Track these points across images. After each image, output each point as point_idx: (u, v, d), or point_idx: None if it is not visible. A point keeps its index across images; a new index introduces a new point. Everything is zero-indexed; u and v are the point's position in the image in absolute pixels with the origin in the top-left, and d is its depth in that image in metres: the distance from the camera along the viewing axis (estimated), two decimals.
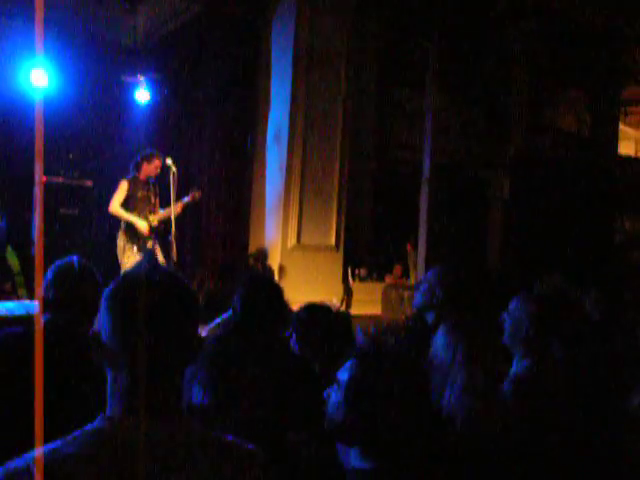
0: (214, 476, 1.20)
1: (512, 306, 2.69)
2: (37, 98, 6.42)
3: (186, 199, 6.64)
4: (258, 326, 2.53)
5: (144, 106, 7.85)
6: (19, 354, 2.14)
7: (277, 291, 2.69)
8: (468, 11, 9.37)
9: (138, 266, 1.27)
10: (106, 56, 7.83)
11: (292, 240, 8.18)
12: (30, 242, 7.34)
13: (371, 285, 9.07)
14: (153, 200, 6.62)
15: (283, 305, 2.67)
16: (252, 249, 8.53)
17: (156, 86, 7.87)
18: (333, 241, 8.45)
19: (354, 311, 7.83)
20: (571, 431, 2.44)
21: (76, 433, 1.17)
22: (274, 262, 8.11)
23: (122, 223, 6.47)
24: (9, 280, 6.97)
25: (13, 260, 7.06)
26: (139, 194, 6.52)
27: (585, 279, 4.54)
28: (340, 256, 8.60)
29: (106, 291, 1.25)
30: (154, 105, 7.92)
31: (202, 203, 7.81)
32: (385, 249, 10.08)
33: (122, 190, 6.45)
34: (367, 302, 8.37)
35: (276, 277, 7.75)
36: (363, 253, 9.98)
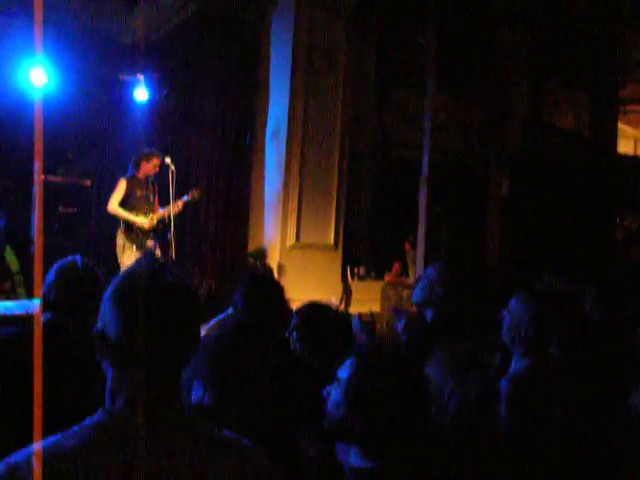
0: (214, 470, 1.21)
1: (511, 304, 2.68)
2: (36, 97, 6.41)
3: (186, 198, 6.64)
4: (259, 325, 2.53)
5: (143, 105, 7.84)
6: (14, 355, 2.14)
7: (278, 290, 2.70)
8: (466, 9, 9.37)
9: (138, 263, 1.28)
10: (105, 55, 7.81)
11: (291, 239, 8.18)
12: (29, 241, 7.33)
13: (370, 284, 9.08)
14: (152, 199, 6.61)
15: (284, 304, 2.67)
16: (251, 248, 8.53)
17: (155, 84, 7.86)
18: (332, 240, 8.45)
19: (353, 309, 7.83)
20: (570, 431, 2.44)
21: (75, 427, 1.18)
22: (273, 261, 8.10)
23: (121, 222, 6.46)
24: (8, 279, 6.96)
25: (12, 259, 7.05)
26: (138, 193, 6.51)
27: (584, 277, 4.54)
28: (339, 255, 8.60)
29: (110, 288, 1.26)
30: (153, 103, 7.91)
31: (201, 201, 7.81)
32: (384, 247, 10.08)
33: (120, 189, 6.45)
34: (366, 301, 8.36)
35: (275, 276, 7.75)
36: (362, 252, 9.98)
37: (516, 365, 2.62)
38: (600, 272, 8.95)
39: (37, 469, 1.08)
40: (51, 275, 2.42)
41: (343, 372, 1.69)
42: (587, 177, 11.39)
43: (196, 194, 6.71)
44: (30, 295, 6.57)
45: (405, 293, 7.72)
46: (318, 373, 2.46)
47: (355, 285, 8.87)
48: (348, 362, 1.70)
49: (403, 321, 3.35)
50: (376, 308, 8.16)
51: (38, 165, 5.64)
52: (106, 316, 1.24)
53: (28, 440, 1.18)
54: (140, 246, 6.43)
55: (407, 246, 9.55)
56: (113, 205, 6.41)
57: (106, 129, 7.95)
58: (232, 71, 8.39)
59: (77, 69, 7.26)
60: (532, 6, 10.22)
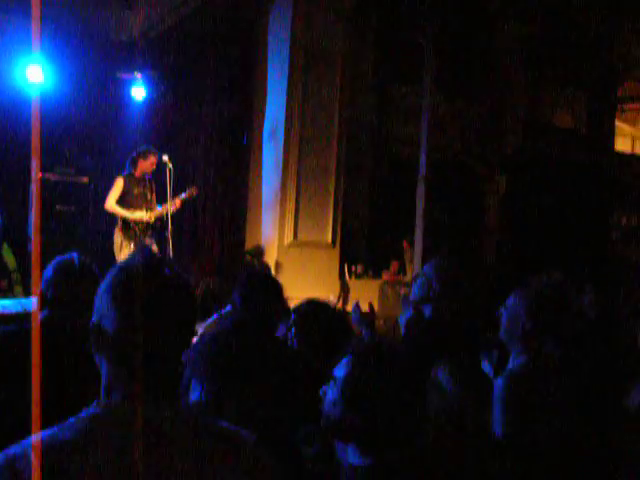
0: (211, 461, 1.21)
1: (509, 302, 2.68)
2: (34, 94, 6.40)
3: (183, 195, 6.64)
4: (257, 322, 2.53)
5: (140, 102, 7.84)
6: (11, 353, 2.14)
7: (276, 287, 2.70)
8: (465, 8, 9.37)
9: (133, 256, 1.28)
10: (102, 52, 7.81)
11: (289, 237, 8.18)
12: (26, 239, 7.32)
13: (368, 282, 9.08)
14: (149, 197, 6.61)
15: (281, 302, 2.67)
16: (249, 246, 8.52)
17: (152, 82, 7.86)
18: (330, 238, 8.45)
19: (351, 308, 7.82)
20: (568, 429, 2.44)
21: (71, 419, 1.18)
22: (271, 259, 8.10)
23: (119, 220, 6.46)
24: (5, 277, 6.95)
25: (9, 257, 7.04)
26: (135, 191, 6.51)
27: (582, 275, 4.55)
28: (337, 253, 8.59)
29: (106, 281, 1.25)
30: (150, 101, 7.91)
31: (198, 199, 7.81)
32: (382, 246, 10.09)
33: (118, 187, 6.44)
34: (364, 299, 8.36)
35: (273, 274, 7.74)
36: (360, 250, 9.99)
37: (514, 362, 2.61)
38: (598, 270, 8.96)
39: (35, 461, 1.08)
40: (48, 272, 2.42)
41: (339, 370, 1.69)
42: (585, 175, 11.40)
43: (193, 191, 6.71)
44: (27, 293, 6.56)
45: (403, 291, 7.72)
46: (317, 371, 2.46)
47: (353, 283, 8.87)
48: (344, 360, 1.69)
49: (409, 314, 3.34)
50: (375, 305, 8.16)
51: (35, 163, 5.63)
52: (102, 310, 1.23)
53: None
54: (137, 244, 6.43)
55: (405, 244, 9.55)
56: (110, 203, 6.41)
57: (103, 127, 7.95)
58: (230, 69, 8.39)
59: (74, 67, 7.25)
60: (530, 5, 10.22)
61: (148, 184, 6.61)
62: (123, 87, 7.79)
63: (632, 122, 14.17)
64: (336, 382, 1.67)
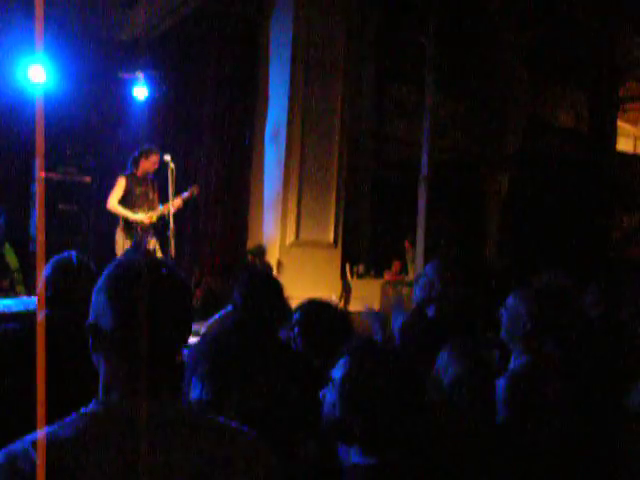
0: (212, 458, 1.21)
1: (510, 302, 2.68)
2: (37, 94, 6.40)
3: (185, 194, 6.64)
4: (258, 322, 2.53)
5: (142, 102, 7.84)
6: (17, 349, 2.15)
7: (277, 287, 2.70)
8: (465, 8, 9.37)
9: (128, 254, 1.29)
10: (104, 52, 7.82)
11: (290, 236, 8.18)
12: (28, 238, 7.33)
13: (369, 282, 9.08)
14: (151, 196, 6.61)
15: (283, 301, 2.67)
16: (250, 245, 8.53)
17: (154, 82, 7.85)
18: (331, 238, 8.45)
19: (352, 308, 7.84)
20: (569, 430, 2.44)
21: (72, 416, 1.18)
22: (272, 258, 8.10)
23: (120, 219, 6.47)
24: (7, 277, 6.96)
25: (11, 257, 7.05)
26: (137, 190, 6.51)
27: (583, 275, 4.55)
28: (338, 253, 8.59)
29: (102, 280, 1.25)
30: (152, 101, 7.91)
31: (200, 199, 7.82)
32: (383, 246, 10.09)
33: (120, 187, 6.44)
34: (365, 299, 8.37)
35: (274, 273, 7.75)
36: (361, 250, 9.99)
37: (515, 362, 2.62)
38: (598, 269, 8.96)
39: (38, 459, 1.08)
40: (47, 271, 2.43)
41: (336, 372, 1.69)
42: (586, 175, 11.39)
43: (195, 190, 6.71)
44: (30, 293, 6.56)
45: (404, 291, 7.73)
46: (318, 370, 2.46)
47: (354, 283, 8.87)
48: (341, 361, 1.70)
49: (402, 320, 3.35)
50: (375, 306, 8.17)
51: (38, 162, 5.62)
52: (99, 308, 1.23)
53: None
54: (135, 241, 6.44)
55: (407, 244, 9.55)
56: (112, 203, 6.41)
57: (105, 126, 7.95)
58: (231, 69, 8.38)
59: (77, 66, 7.25)
60: (531, 5, 10.22)
61: (150, 184, 6.61)
62: (125, 87, 7.80)
63: (634, 122, 14.16)
64: (334, 384, 1.68)
